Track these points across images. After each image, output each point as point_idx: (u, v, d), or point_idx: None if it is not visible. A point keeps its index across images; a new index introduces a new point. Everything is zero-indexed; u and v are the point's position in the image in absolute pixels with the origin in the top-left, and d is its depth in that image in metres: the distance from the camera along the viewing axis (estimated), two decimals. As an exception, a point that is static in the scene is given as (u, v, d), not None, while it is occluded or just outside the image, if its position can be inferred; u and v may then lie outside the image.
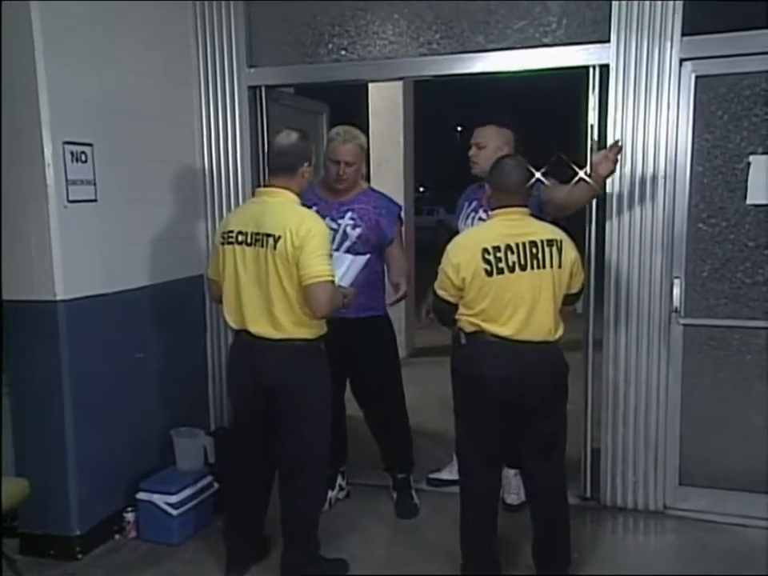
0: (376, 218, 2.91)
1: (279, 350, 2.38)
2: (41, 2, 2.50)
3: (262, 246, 2.33)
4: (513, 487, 3.06)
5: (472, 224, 2.86)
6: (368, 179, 5.46)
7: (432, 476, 3.32)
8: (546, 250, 2.27)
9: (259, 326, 2.38)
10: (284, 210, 2.35)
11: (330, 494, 3.09)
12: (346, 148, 2.86)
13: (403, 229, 3.11)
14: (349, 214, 2.90)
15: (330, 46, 3.24)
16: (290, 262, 2.29)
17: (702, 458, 3.00)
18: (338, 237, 2.87)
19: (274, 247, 2.30)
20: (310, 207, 2.91)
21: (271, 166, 2.49)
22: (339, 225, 2.89)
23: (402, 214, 3.10)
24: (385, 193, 3.08)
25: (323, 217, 2.87)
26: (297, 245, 2.27)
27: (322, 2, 3.21)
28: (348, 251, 2.83)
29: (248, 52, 3.30)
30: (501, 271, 2.25)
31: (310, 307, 2.31)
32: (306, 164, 2.41)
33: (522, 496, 2.83)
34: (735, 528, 2.89)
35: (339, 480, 3.18)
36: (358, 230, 2.88)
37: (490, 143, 2.85)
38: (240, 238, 2.38)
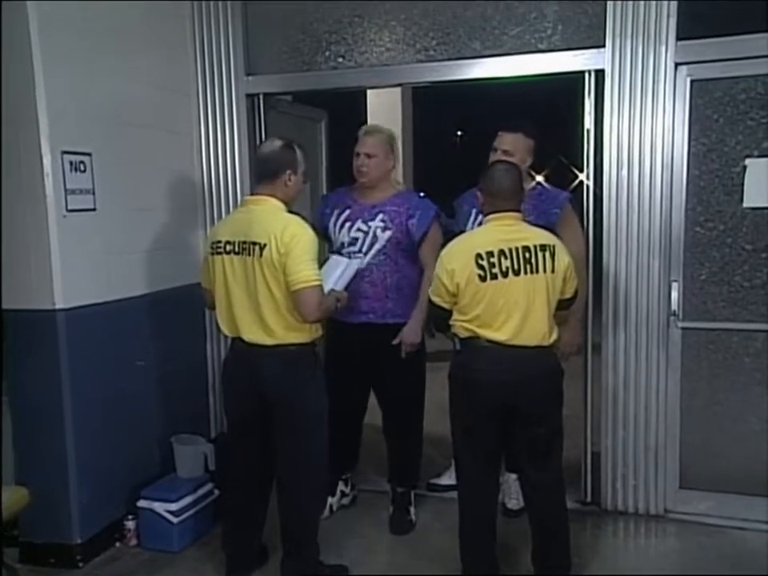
0: (406, 220, 2.84)
1: (273, 356, 2.39)
2: (38, 8, 2.51)
3: (249, 254, 2.34)
4: (513, 492, 3.05)
5: None
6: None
7: (432, 481, 3.32)
8: (540, 254, 2.28)
9: (252, 334, 2.39)
10: (269, 218, 2.36)
11: (331, 500, 3.08)
12: (365, 140, 2.87)
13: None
14: (379, 217, 2.86)
15: (328, 53, 3.26)
16: (276, 268, 2.30)
17: (702, 462, 3.00)
18: (368, 239, 2.84)
19: (260, 255, 2.32)
20: (343, 210, 2.94)
21: (255, 174, 2.52)
22: (369, 227, 2.86)
23: (441, 216, 2.94)
24: (423, 195, 2.97)
25: (355, 219, 2.88)
26: (282, 251, 2.28)
27: (319, 9, 3.23)
28: (378, 254, 2.83)
29: (246, 60, 3.32)
30: (494, 276, 2.25)
31: (300, 312, 2.32)
32: (288, 172, 2.41)
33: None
34: (735, 531, 2.89)
35: (341, 487, 3.17)
36: (388, 233, 2.83)
37: (517, 152, 2.80)
38: (228, 247, 2.40)
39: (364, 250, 2.84)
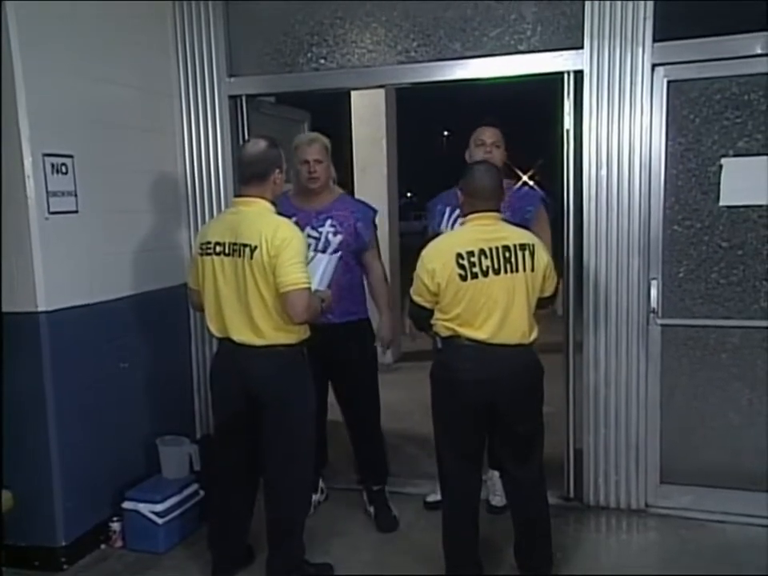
0: (354, 223, 2.94)
1: (263, 357, 2.40)
2: (18, 9, 2.50)
3: (240, 255, 2.35)
4: (498, 489, 3.07)
5: None
6: (351, 185, 5.50)
7: (429, 500, 3.14)
8: (519, 254, 2.30)
9: (241, 334, 2.41)
10: (259, 219, 2.37)
11: (314, 497, 3.08)
12: (312, 147, 2.91)
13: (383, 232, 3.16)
14: (329, 222, 2.91)
15: (309, 54, 3.27)
16: (266, 270, 2.32)
17: (682, 457, 3.04)
18: (321, 245, 2.88)
19: (251, 257, 2.33)
20: (289, 218, 2.96)
21: (242, 176, 2.49)
22: (320, 233, 2.90)
23: (377, 218, 3.07)
24: (361, 198, 3.10)
25: (303, 226, 2.89)
26: (273, 253, 2.29)
27: (300, 10, 3.25)
28: None
29: (228, 62, 3.33)
30: (475, 276, 2.28)
31: (289, 314, 2.34)
32: (276, 171, 2.44)
33: (506, 498, 2.85)
34: (715, 525, 2.94)
35: (321, 483, 3.19)
36: (340, 237, 2.90)
37: (502, 144, 2.92)
38: (218, 248, 2.41)
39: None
